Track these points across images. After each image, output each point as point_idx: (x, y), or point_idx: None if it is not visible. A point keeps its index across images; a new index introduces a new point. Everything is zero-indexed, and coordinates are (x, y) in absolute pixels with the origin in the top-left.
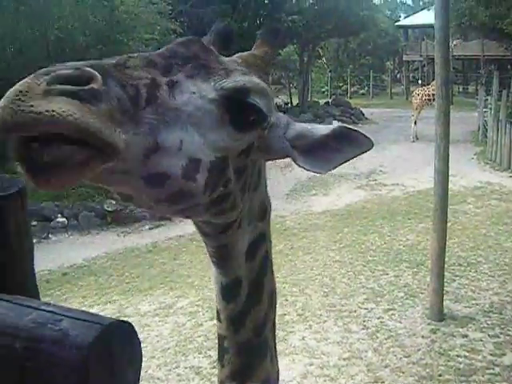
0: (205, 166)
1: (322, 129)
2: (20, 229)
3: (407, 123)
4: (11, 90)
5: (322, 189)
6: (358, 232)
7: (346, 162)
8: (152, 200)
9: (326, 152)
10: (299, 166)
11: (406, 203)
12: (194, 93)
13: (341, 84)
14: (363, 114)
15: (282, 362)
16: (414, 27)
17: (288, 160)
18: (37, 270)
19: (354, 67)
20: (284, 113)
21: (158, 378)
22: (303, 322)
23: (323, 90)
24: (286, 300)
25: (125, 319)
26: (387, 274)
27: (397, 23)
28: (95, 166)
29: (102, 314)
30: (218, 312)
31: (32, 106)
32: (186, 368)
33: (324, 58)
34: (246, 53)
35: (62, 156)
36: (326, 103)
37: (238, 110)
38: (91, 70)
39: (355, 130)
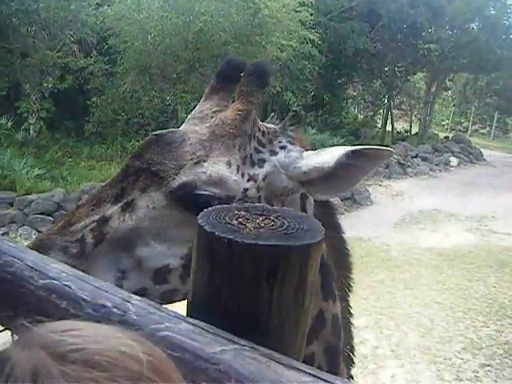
0: (176, 265)
1: (327, 160)
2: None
3: None
4: None
5: (431, 224)
6: (462, 276)
7: (366, 175)
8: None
9: (347, 172)
10: (317, 198)
11: None
12: (147, 206)
13: (462, 120)
14: (482, 155)
15: None
16: None
17: (399, 188)
18: None
19: (478, 105)
20: (403, 140)
21: None
22: (395, 359)
23: (443, 123)
24: (381, 333)
25: None
26: (488, 327)
27: None
28: None
29: None
30: None
31: None
32: None
33: (450, 91)
34: (217, 119)
35: None
36: (445, 137)
37: (195, 200)
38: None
39: (366, 148)
